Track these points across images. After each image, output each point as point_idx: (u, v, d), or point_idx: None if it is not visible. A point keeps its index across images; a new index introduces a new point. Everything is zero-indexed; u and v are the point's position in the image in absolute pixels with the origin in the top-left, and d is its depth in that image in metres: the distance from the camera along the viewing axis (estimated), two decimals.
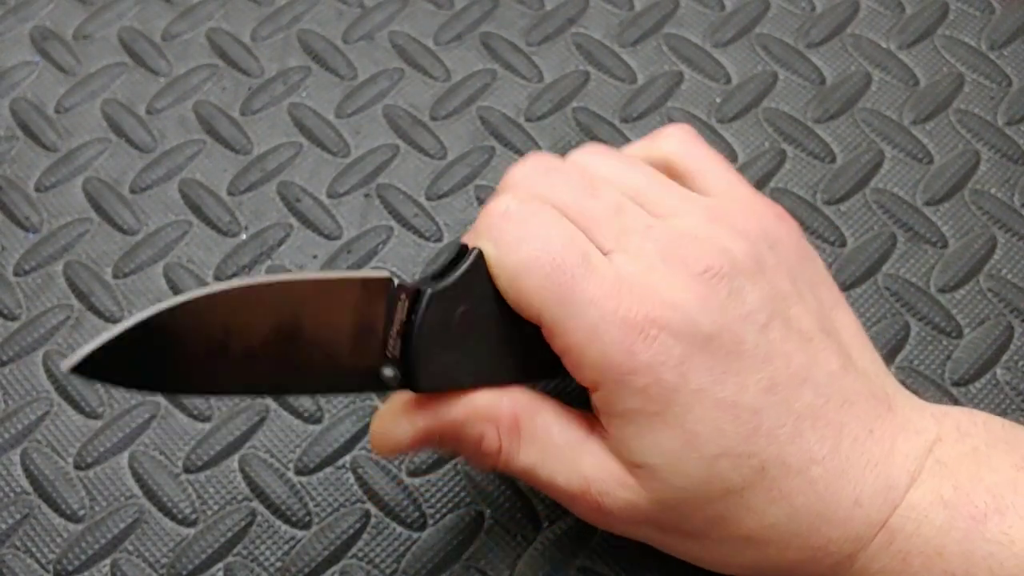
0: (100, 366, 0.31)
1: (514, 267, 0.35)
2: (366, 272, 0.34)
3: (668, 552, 0.38)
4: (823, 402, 0.35)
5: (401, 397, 0.37)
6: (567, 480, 0.36)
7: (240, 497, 0.43)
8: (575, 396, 0.37)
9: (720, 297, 0.35)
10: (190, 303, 0.32)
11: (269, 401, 0.45)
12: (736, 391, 0.34)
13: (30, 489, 0.43)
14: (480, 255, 0.36)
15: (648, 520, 0.36)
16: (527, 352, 0.37)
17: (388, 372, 0.35)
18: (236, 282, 0.33)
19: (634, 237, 0.36)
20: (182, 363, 0.33)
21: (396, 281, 0.35)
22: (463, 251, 0.36)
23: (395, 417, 0.37)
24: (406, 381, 0.36)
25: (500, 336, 0.36)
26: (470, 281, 0.36)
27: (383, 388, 0.36)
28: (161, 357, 0.32)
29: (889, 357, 0.45)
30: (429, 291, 0.35)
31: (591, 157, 0.39)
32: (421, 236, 0.49)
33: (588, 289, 0.34)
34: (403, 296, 0.35)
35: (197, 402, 0.45)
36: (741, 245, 0.36)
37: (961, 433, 0.36)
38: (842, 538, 0.35)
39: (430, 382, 0.36)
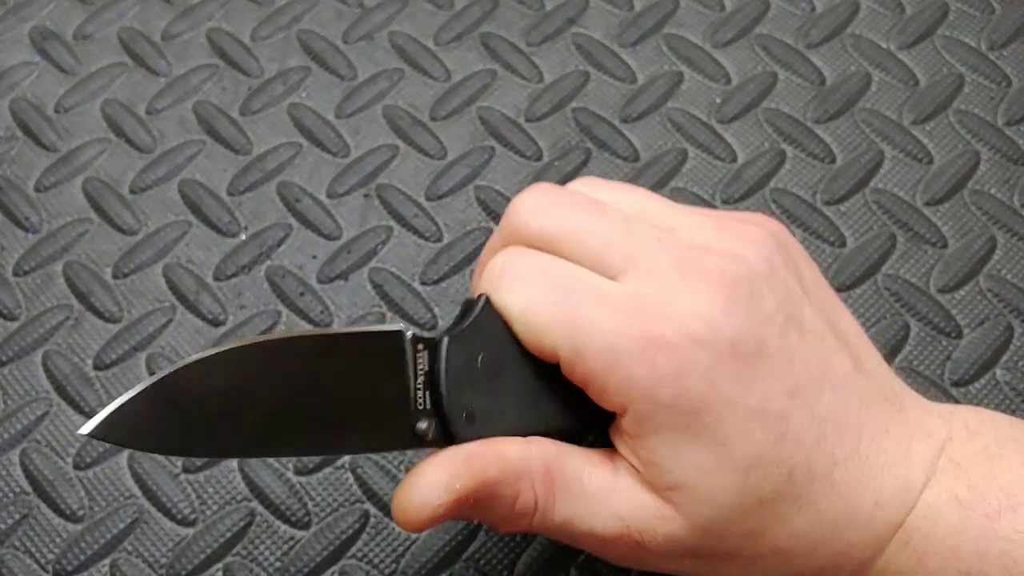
0: (117, 429, 0.31)
1: (521, 307, 0.35)
2: (377, 326, 0.34)
3: None
4: (842, 404, 0.35)
5: (425, 464, 0.34)
6: (604, 526, 0.35)
7: (239, 497, 0.43)
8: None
9: (741, 302, 0.34)
10: (200, 362, 0.32)
11: None
12: (763, 398, 0.34)
13: (29, 489, 0.43)
14: (488, 300, 0.35)
15: (687, 550, 0.35)
16: (561, 395, 0.36)
17: (423, 425, 0.34)
18: (240, 341, 0.32)
19: (646, 252, 0.35)
20: (200, 424, 0.32)
21: (410, 332, 0.34)
22: (471, 303, 0.36)
23: (427, 482, 0.34)
24: (443, 431, 0.35)
25: (532, 380, 0.36)
26: (485, 326, 0.35)
27: (420, 443, 0.35)
28: (177, 418, 0.32)
29: (889, 357, 0.45)
30: (446, 338, 0.35)
31: (589, 185, 0.39)
32: (421, 236, 0.49)
33: (598, 313, 0.34)
34: (420, 347, 0.34)
35: None
36: (753, 250, 0.36)
37: (971, 432, 0.36)
38: (863, 541, 0.35)
39: (468, 431, 0.35)
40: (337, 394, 0.34)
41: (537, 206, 0.37)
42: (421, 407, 0.34)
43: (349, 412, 0.34)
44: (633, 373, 0.33)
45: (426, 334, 0.35)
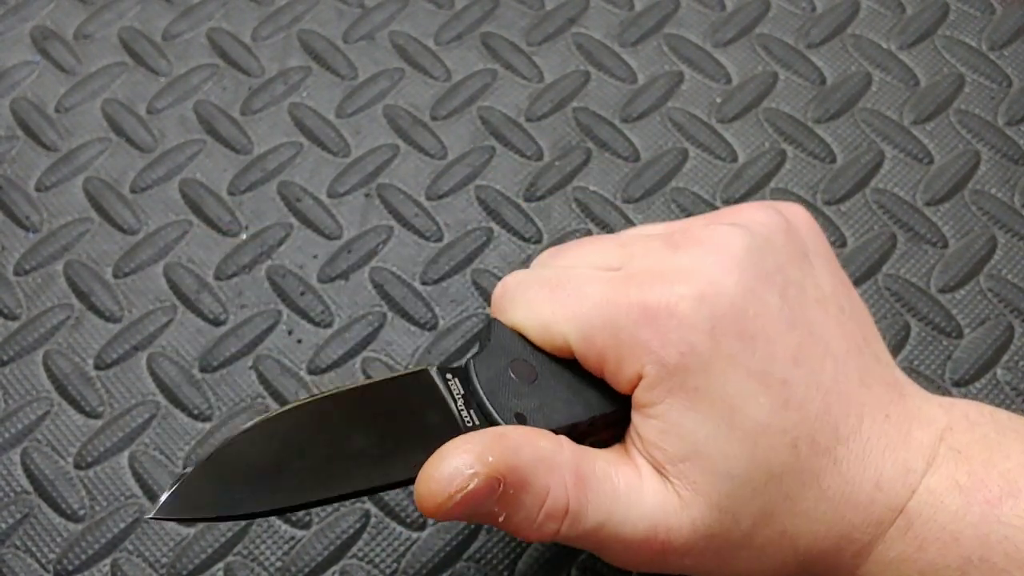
0: (180, 507, 0.32)
1: (524, 315, 0.36)
2: (403, 371, 0.36)
3: None
4: (844, 378, 0.35)
5: (455, 440, 0.33)
6: (635, 527, 0.34)
7: None
8: None
9: (739, 256, 0.35)
10: (243, 433, 0.33)
11: (269, 400, 0.45)
12: (765, 358, 0.34)
13: (30, 489, 0.43)
14: (496, 320, 0.37)
15: (707, 539, 0.35)
16: (600, 381, 0.36)
17: None
18: (277, 410, 0.34)
19: (639, 244, 0.37)
20: (255, 485, 0.33)
21: (435, 367, 0.36)
22: (483, 332, 0.38)
23: (459, 453, 0.32)
24: None
25: (569, 376, 0.36)
26: (503, 342, 0.36)
27: None
28: (232, 486, 0.33)
29: None
30: (471, 360, 0.36)
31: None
32: (421, 236, 0.49)
33: (592, 292, 0.35)
34: (449, 376, 0.36)
35: (197, 401, 0.45)
36: (751, 218, 0.37)
37: (970, 422, 0.36)
38: (865, 523, 0.35)
39: None
40: (384, 432, 0.34)
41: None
42: (470, 424, 0.35)
43: (399, 444, 0.34)
44: (639, 337, 0.34)
45: (449, 366, 0.36)
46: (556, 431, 0.35)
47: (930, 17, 0.54)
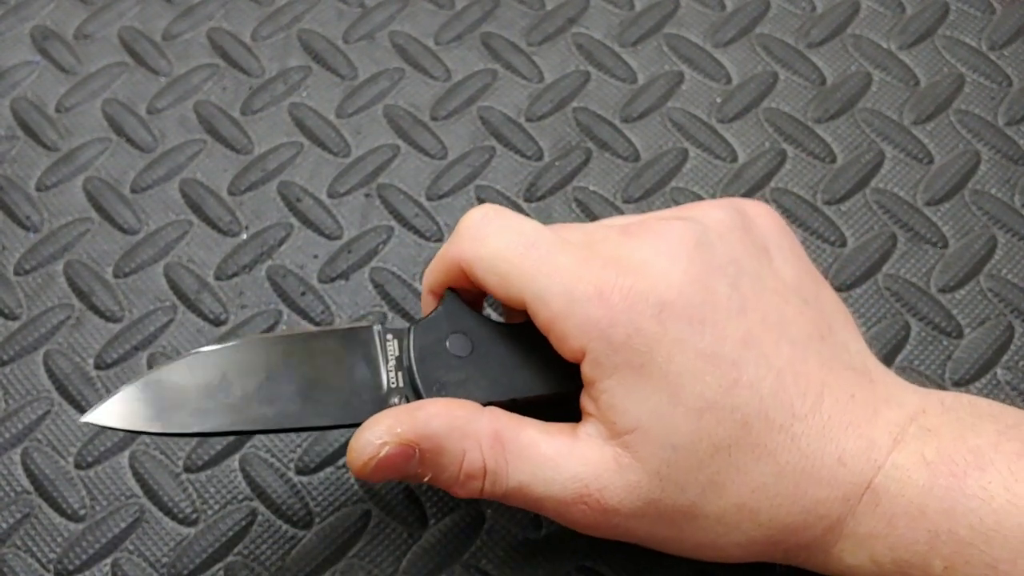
0: (113, 416, 0.36)
1: (493, 255, 0.37)
2: (348, 324, 0.38)
3: (666, 549, 0.38)
4: (801, 361, 0.36)
5: (377, 414, 0.37)
6: (563, 487, 0.36)
7: (241, 497, 0.43)
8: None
9: (688, 249, 0.36)
10: (179, 362, 0.36)
11: None
12: (714, 341, 0.35)
13: (31, 488, 0.43)
14: (452, 291, 0.39)
15: (648, 503, 0.36)
16: (534, 362, 0.38)
17: (395, 400, 0.37)
18: (217, 344, 0.37)
19: (598, 229, 0.39)
20: (184, 407, 0.36)
21: (378, 326, 0.38)
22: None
23: (372, 426, 0.36)
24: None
25: (504, 354, 0.38)
26: (450, 313, 0.38)
27: None
28: (162, 404, 0.36)
29: (889, 357, 0.45)
30: (412, 326, 0.38)
31: None
32: (421, 236, 0.49)
33: (561, 260, 0.36)
34: (389, 337, 0.38)
35: None
36: (703, 212, 0.38)
37: (945, 407, 0.37)
38: (830, 498, 0.35)
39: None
40: (313, 379, 0.37)
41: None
42: (393, 386, 0.37)
43: (322, 394, 0.37)
44: (590, 314, 0.35)
45: (394, 327, 0.38)
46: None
47: (930, 17, 0.54)
